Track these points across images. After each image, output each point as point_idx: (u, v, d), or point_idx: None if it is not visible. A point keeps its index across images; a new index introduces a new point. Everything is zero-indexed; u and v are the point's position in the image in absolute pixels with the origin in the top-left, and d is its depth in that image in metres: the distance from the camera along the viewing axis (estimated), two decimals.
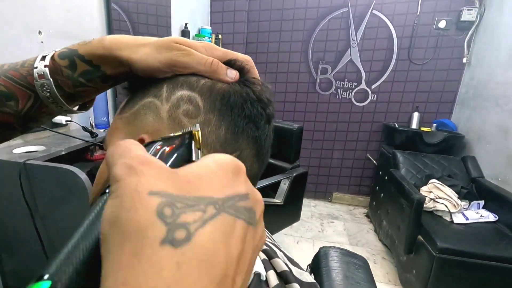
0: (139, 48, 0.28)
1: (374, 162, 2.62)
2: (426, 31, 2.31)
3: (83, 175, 0.78)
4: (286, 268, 0.33)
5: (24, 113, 0.30)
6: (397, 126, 2.38)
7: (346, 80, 2.56)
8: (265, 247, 0.35)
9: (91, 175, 0.96)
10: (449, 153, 2.18)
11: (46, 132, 1.07)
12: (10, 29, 0.91)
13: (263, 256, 0.34)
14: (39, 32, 1.02)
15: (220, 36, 2.46)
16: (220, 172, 0.15)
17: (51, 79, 0.29)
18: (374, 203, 2.45)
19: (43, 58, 0.29)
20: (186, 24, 2.09)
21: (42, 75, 0.29)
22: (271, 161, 1.88)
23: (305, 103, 2.69)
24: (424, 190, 1.88)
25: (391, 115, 2.55)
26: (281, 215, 1.72)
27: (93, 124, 1.24)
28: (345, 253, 0.55)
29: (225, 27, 2.58)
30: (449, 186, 1.85)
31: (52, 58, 0.29)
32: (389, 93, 2.51)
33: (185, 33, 2.08)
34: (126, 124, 0.28)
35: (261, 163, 0.30)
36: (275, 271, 0.32)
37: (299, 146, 1.82)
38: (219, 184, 0.14)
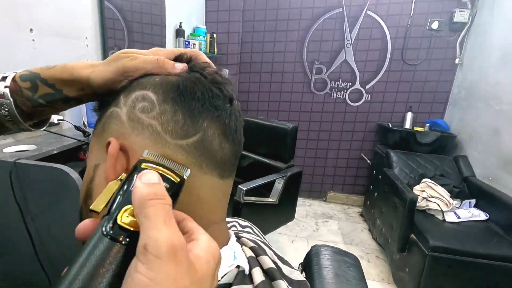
0: (94, 67, 0.30)
1: (368, 161, 2.64)
2: (419, 32, 2.34)
3: (75, 174, 0.78)
4: (273, 266, 0.33)
5: None
6: (390, 126, 2.41)
7: (340, 80, 2.57)
8: (252, 244, 0.35)
9: (84, 174, 0.96)
10: (441, 152, 2.21)
11: (38, 131, 1.05)
12: (0, 27, 0.90)
13: (250, 253, 0.34)
14: (31, 29, 1.01)
15: (215, 35, 2.45)
16: (214, 269, 0.20)
17: (11, 99, 0.31)
18: (368, 202, 2.47)
19: (3, 79, 0.31)
20: (181, 23, 2.09)
21: (1, 95, 0.31)
22: (266, 160, 1.88)
23: (300, 103, 2.70)
24: (417, 189, 1.91)
25: (385, 115, 2.57)
26: (276, 214, 1.72)
27: (85, 123, 1.23)
28: (336, 252, 0.55)
29: (220, 26, 2.57)
30: (442, 185, 1.88)
31: (13, 79, 0.31)
32: (383, 93, 2.53)
33: (179, 32, 2.07)
34: (97, 137, 0.30)
35: (232, 142, 0.30)
36: (262, 268, 0.33)
37: (293, 146, 1.83)
38: (214, 279, 0.20)
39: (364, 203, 2.60)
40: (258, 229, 0.48)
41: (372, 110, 2.58)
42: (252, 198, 1.53)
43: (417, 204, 1.73)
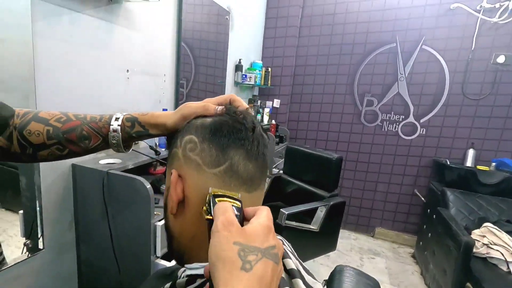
0: (169, 117, 0.45)
1: (422, 198, 2.48)
2: (482, 66, 2.23)
3: (148, 185, 0.98)
4: (295, 268, 0.40)
5: (90, 149, 0.48)
6: (448, 163, 2.26)
7: (392, 112, 2.54)
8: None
9: (153, 185, 1.17)
10: (509, 195, 1.99)
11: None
12: (106, 69, 1.20)
13: None
14: (127, 70, 1.31)
15: (269, 69, 2.68)
16: (262, 232, 0.28)
17: (120, 134, 0.47)
18: (421, 243, 2.30)
19: (117, 119, 0.47)
20: (240, 59, 2.36)
21: (115, 131, 0.47)
22: (309, 187, 1.94)
23: (349, 133, 2.72)
24: (476, 234, 1.74)
25: (443, 151, 2.43)
26: (316, 242, 1.75)
27: (157, 144, 1.48)
28: (358, 273, 0.61)
29: (275, 61, 2.81)
30: (507, 232, 1.69)
31: (122, 120, 0.47)
32: (440, 127, 2.41)
33: (238, 67, 2.34)
34: (168, 169, 0.43)
35: (256, 161, 0.38)
36: (284, 268, 0.39)
37: (338, 176, 1.86)
38: (262, 239, 0.28)
39: (416, 244, 2.41)
40: (289, 244, 0.56)
41: (428, 144, 2.47)
42: (293, 223, 1.60)
43: (475, 250, 1.59)
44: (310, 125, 2.86)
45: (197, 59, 2.08)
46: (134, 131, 0.47)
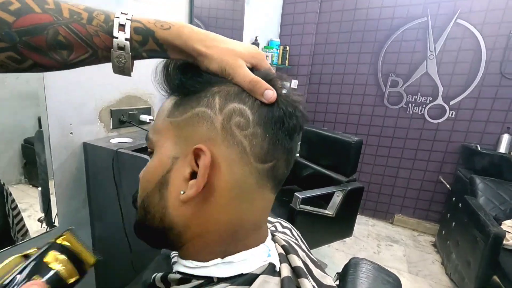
0: (210, 49, 0.32)
1: (448, 186, 2.34)
2: None
3: None
4: (301, 265, 0.35)
5: (71, 63, 0.32)
6: (479, 148, 2.10)
7: (419, 94, 2.37)
8: (284, 243, 0.38)
9: None
10: None
11: (135, 128, 1.30)
12: None
13: (281, 250, 0.37)
14: None
15: (287, 47, 2.55)
16: None
17: (130, 54, 0.31)
18: (443, 232, 2.19)
19: (121, 27, 0.31)
20: (256, 37, 2.25)
21: (122, 48, 0.31)
22: (326, 172, 1.87)
23: (371, 116, 2.58)
24: (506, 225, 1.62)
25: (473, 136, 2.25)
26: (332, 227, 1.69)
27: None
28: (376, 267, 0.56)
29: (293, 39, 2.67)
30: None
31: (130, 30, 0.31)
32: (472, 110, 2.22)
33: (255, 45, 2.24)
34: (177, 128, 0.31)
35: (289, 169, 0.35)
36: (290, 265, 0.35)
37: (357, 160, 1.77)
38: None
39: (438, 232, 2.31)
40: (298, 232, 0.51)
41: (457, 128, 2.30)
42: (308, 207, 1.55)
43: (505, 242, 1.48)
44: (329, 107, 2.73)
45: None
46: (145, 49, 0.32)
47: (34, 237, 0.99)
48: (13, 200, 0.96)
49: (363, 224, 2.61)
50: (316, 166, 1.97)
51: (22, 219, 0.99)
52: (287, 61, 2.57)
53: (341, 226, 1.74)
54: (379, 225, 2.64)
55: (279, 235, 0.41)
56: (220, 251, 0.32)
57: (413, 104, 2.40)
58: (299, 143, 0.34)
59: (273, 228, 0.48)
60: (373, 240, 2.37)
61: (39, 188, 1.02)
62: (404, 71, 2.39)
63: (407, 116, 2.44)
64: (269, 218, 0.52)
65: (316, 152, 2.00)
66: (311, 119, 2.81)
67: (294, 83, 2.71)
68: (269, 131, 0.30)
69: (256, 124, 0.29)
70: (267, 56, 2.29)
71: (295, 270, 0.34)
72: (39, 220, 1.01)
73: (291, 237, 0.45)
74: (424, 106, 2.37)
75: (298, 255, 0.38)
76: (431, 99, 2.34)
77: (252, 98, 0.30)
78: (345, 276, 0.54)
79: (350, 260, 0.58)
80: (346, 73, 2.60)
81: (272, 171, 0.31)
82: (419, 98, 2.37)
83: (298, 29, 2.64)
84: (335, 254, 2.12)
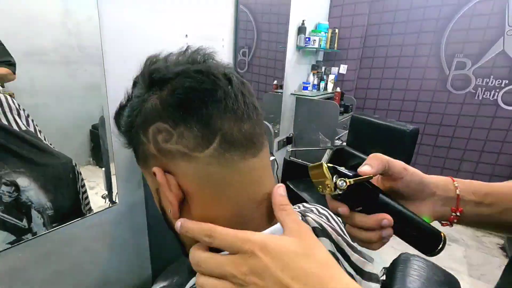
0: None
1: None
2: None
3: None
4: (333, 249, 0.36)
5: None
6: None
7: (492, 76, 2.06)
8: (315, 224, 0.39)
9: None
10: None
11: None
12: (167, 35, 1.21)
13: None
14: (186, 35, 1.30)
15: (337, 30, 2.41)
16: None
17: None
18: None
19: None
20: (303, 20, 2.17)
21: None
22: None
23: (430, 103, 2.33)
24: None
25: None
26: None
27: None
28: (430, 266, 0.50)
29: (344, 20, 2.51)
30: None
31: None
32: None
33: (301, 29, 2.16)
34: (145, 169, 0.34)
35: (248, 119, 0.30)
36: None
37: (411, 151, 1.63)
38: None
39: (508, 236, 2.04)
40: (338, 219, 0.49)
41: None
42: None
43: None
44: (382, 94, 2.54)
45: (260, 25, 1.99)
46: None
47: (99, 211, 1.12)
48: (82, 179, 1.09)
49: None
50: (364, 156, 1.86)
51: (88, 196, 1.12)
52: (335, 45, 2.44)
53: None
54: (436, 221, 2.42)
55: (311, 216, 0.40)
56: None
57: (484, 89, 2.11)
58: (247, 87, 0.25)
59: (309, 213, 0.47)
60: None
61: (103, 169, 1.14)
62: (473, 50, 2.10)
63: (475, 102, 2.15)
64: (306, 204, 0.51)
65: (364, 141, 1.88)
66: (361, 106, 2.65)
67: (343, 68, 2.57)
68: (189, 121, 0.28)
69: (174, 127, 0.29)
70: (314, 40, 2.20)
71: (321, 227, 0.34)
72: (102, 196, 1.13)
73: (326, 221, 0.44)
74: (497, 90, 2.06)
75: (331, 239, 0.37)
76: (507, 82, 2.02)
77: (153, 108, 0.30)
78: (393, 272, 0.50)
79: (400, 255, 0.54)
80: (402, 55, 2.38)
81: (225, 142, 0.29)
82: (492, 81, 2.07)
83: (349, 9, 2.47)
84: (382, 248, 2.01)
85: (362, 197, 0.35)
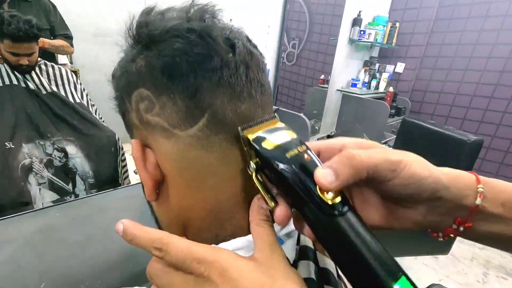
0: None
1: None
2: None
3: None
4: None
5: None
6: None
7: None
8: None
9: None
10: None
11: None
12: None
13: (310, 244, 0.31)
14: (230, 20, 1.30)
15: (397, 24, 2.20)
16: None
17: None
18: None
19: None
20: (360, 11, 2.01)
21: None
22: None
23: (503, 113, 2.01)
24: None
25: None
26: (423, 237, 1.44)
27: None
28: None
29: (407, 14, 2.27)
30: None
31: None
32: None
33: (356, 21, 2.01)
34: (131, 138, 0.30)
35: (251, 97, 0.25)
36: (317, 264, 0.28)
37: (471, 165, 1.43)
38: None
39: None
40: None
41: None
42: None
43: None
44: (443, 98, 2.27)
45: (313, 16, 1.90)
46: None
47: (133, 184, 1.19)
48: (123, 153, 1.16)
49: (468, 243, 2.14)
50: None
51: (127, 170, 1.20)
52: (394, 40, 2.23)
53: (434, 239, 1.46)
54: (491, 250, 2.11)
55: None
56: (211, 238, 0.27)
57: None
58: (257, 59, 0.25)
59: None
60: (479, 266, 1.92)
61: None
62: None
63: None
64: None
65: (415, 148, 1.68)
66: (416, 110, 2.41)
67: (400, 67, 2.35)
68: (174, 90, 0.24)
69: (157, 95, 0.24)
70: (370, 34, 2.03)
71: (323, 273, 0.27)
72: (134, 171, 1.19)
73: None
74: None
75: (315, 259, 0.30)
76: None
77: (140, 71, 0.25)
78: None
79: (430, 286, 0.46)
80: (474, 56, 2.08)
81: (214, 125, 0.24)
82: None
83: (414, 1, 2.23)
84: (421, 268, 1.82)
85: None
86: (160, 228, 0.31)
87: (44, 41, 0.85)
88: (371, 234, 0.20)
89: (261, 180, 0.24)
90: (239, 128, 0.24)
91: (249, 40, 0.27)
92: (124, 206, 1.19)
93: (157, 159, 0.26)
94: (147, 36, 0.25)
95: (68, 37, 0.91)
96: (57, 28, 0.87)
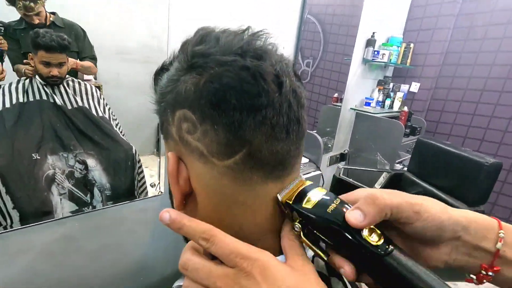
0: None
1: None
2: None
3: None
4: None
5: None
6: None
7: None
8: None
9: None
10: None
11: None
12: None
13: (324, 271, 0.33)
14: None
15: (411, 45, 2.21)
16: None
17: None
18: None
19: None
20: (373, 33, 2.04)
21: None
22: (441, 195, 1.53)
23: None
24: None
25: None
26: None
27: None
28: None
29: (421, 35, 2.28)
30: None
31: None
32: None
33: (370, 41, 2.03)
34: (165, 144, 0.32)
35: (288, 136, 0.26)
36: None
37: (489, 188, 1.38)
38: None
39: None
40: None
41: None
42: None
43: None
44: (460, 118, 2.23)
45: (327, 35, 1.94)
46: None
47: (149, 197, 1.22)
48: (140, 166, 1.20)
49: None
50: (427, 185, 1.64)
51: (145, 182, 1.22)
52: (408, 60, 2.23)
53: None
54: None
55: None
56: None
57: None
58: (299, 97, 0.25)
59: None
60: None
61: (158, 160, 1.24)
62: None
63: None
64: None
65: (430, 168, 1.67)
66: (432, 130, 2.37)
67: (414, 86, 2.34)
68: (217, 120, 0.24)
69: (201, 121, 0.25)
70: (384, 54, 2.05)
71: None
72: (151, 185, 1.22)
73: None
74: None
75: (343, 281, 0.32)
76: None
77: (187, 92, 0.26)
78: None
79: None
80: (491, 77, 2.05)
81: (250, 160, 0.25)
82: None
83: (429, 23, 2.24)
84: None
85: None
86: (185, 238, 0.33)
87: (77, 63, 0.93)
88: (421, 266, 0.23)
89: (308, 236, 0.26)
90: (278, 195, 0.27)
91: (296, 75, 0.28)
92: (138, 219, 1.22)
93: (189, 175, 0.28)
94: (201, 66, 0.26)
95: (93, 58, 0.98)
96: (85, 51, 0.95)
